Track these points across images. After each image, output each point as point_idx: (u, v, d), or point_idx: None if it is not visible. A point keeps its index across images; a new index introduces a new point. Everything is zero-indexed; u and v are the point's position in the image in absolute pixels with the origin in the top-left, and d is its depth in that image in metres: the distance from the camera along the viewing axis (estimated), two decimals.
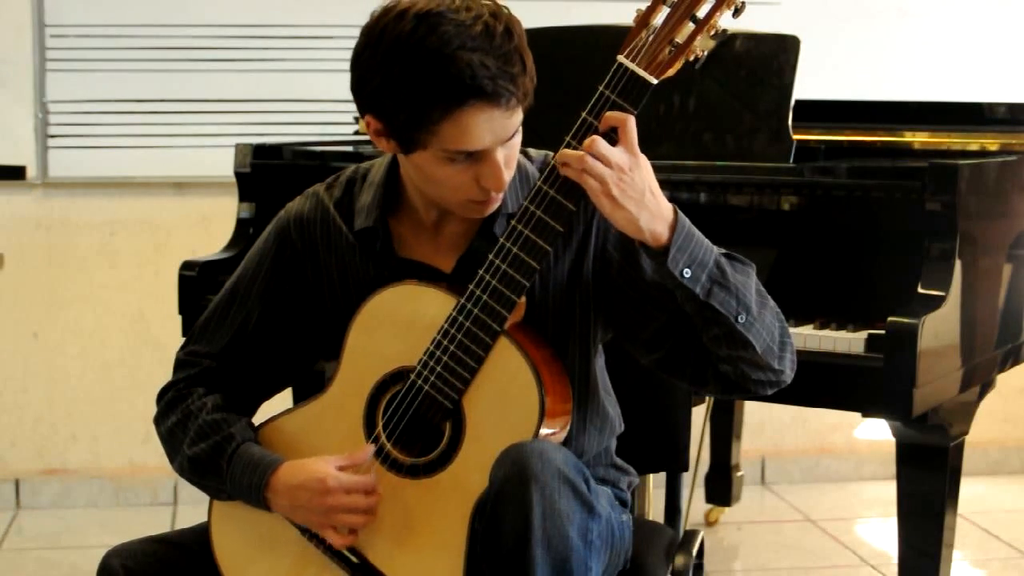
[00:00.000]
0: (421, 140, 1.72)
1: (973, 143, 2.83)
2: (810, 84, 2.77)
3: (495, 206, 1.81)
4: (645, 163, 1.71)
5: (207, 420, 1.87)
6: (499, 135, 1.72)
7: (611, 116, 1.70)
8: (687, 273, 1.71)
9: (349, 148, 3.38)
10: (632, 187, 1.68)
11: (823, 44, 3.65)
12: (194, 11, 3.86)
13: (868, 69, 4.06)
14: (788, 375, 1.83)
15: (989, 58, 4.14)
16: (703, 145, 2.68)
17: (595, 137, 1.69)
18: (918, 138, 2.86)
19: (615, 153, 1.68)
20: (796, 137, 2.63)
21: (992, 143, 2.80)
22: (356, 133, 3.46)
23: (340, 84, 3.77)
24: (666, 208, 1.72)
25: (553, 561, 1.63)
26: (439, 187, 1.77)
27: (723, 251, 1.78)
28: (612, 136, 1.70)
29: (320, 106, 3.88)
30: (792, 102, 2.65)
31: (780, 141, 2.62)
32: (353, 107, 3.83)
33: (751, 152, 2.65)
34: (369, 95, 1.74)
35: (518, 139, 1.77)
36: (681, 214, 1.73)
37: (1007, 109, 2.91)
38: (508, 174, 1.77)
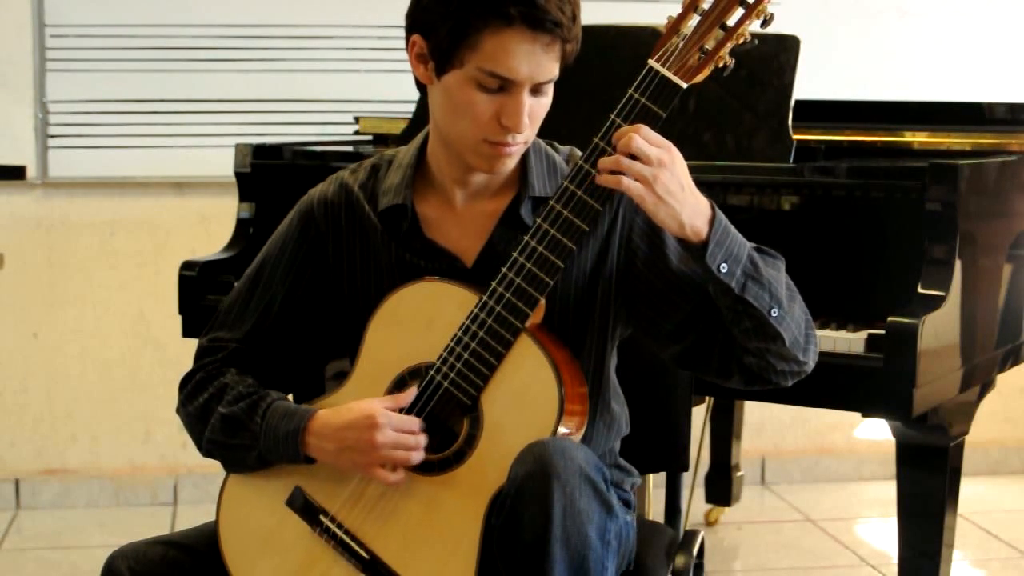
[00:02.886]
0: (459, 56, 1.74)
1: (973, 143, 2.82)
2: (810, 84, 2.77)
3: (508, 164, 1.82)
4: (679, 156, 1.73)
5: (246, 389, 1.87)
6: (534, 71, 1.74)
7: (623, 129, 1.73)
8: (724, 268, 1.73)
9: (349, 148, 3.38)
10: (673, 181, 1.70)
11: (823, 44, 3.66)
12: (194, 11, 3.86)
13: (868, 69, 4.05)
14: (810, 365, 1.85)
15: (989, 58, 4.14)
16: (703, 145, 2.68)
17: (632, 136, 1.70)
18: (918, 138, 2.86)
19: (653, 149, 1.70)
20: (796, 137, 2.62)
21: (992, 143, 2.80)
22: (356, 133, 3.46)
23: (340, 84, 3.88)
24: (703, 202, 1.74)
25: (571, 559, 1.64)
26: (461, 117, 1.78)
27: (754, 245, 1.80)
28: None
29: (320, 106, 3.87)
30: (792, 102, 2.65)
31: (780, 141, 2.62)
32: (353, 107, 3.86)
33: (751, 152, 2.64)
34: (421, 11, 1.78)
35: (546, 100, 1.79)
36: (717, 209, 1.75)
37: (1007, 109, 2.91)
38: (530, 130, 1.79)
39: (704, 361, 1.87)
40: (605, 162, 1.72)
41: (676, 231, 1.73)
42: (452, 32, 1.73)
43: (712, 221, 1.73)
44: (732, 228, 1.76)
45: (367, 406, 1.78)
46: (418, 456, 1.78)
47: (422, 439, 1.78)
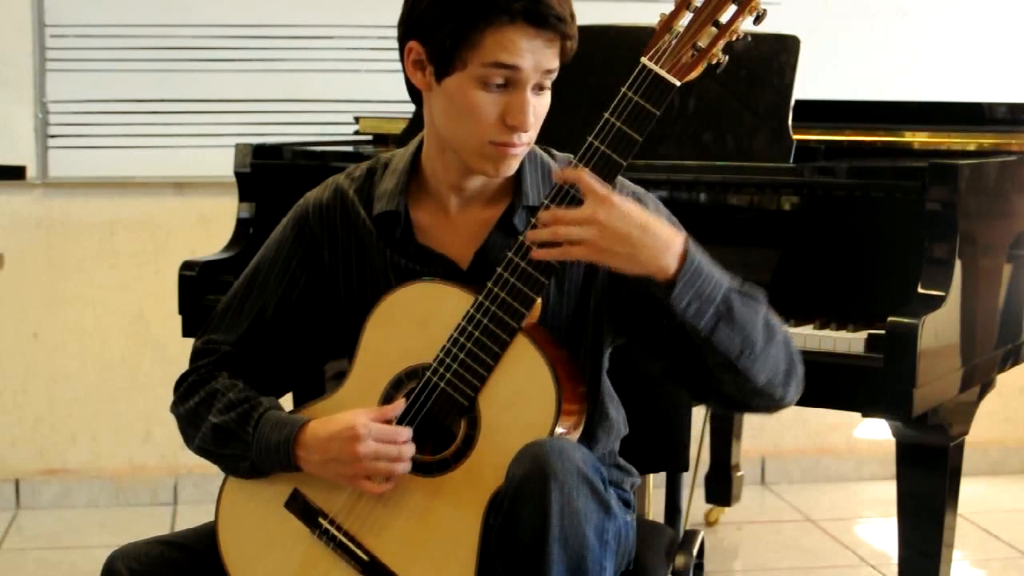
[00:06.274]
0: (461, 57, 1.74)
1: (973, 143, 2.82)
2: (810, 84, 2.77)
3: (512, 165, 1.81)
4: (621, 202, 1.70)
5: (237, 396, 1.87)
6: (539, 63, 1.74)
7: (564, 175, 1.72)
8: (691, 310, 1.70)
9: (349, 148, 3.38)
10: (615, 232, 1.68)
11: (823, 44, 3.66)
12: (194, 11, 3.86)
13: (868, 69, 4.06)
14: (791, 400, 1.83)
15: (989, 58, 4.14)
16: (703, 145, 2.68)
17: (552, 212, 1.71)
18: (918, 138, 2.86)
19: (577, 213, 1.69)
20: (796, 137, 2.62)
21: (992, 143, 2.80)
22: (356, 133, 3.46)
23: (340, 84, 3.89)
24: (671, 239, 1.70)
25: (569, 559, 1.63)
26: (465, 120, 1.77)
27: (734, 284, 1.76)
28: (575, 193, 1.72)
29: (320, 106, 3.87)
30: (792, 102, 2.65)
31: (780, 141, 2.62)
32: (353, 107, 3.86)
33: (751, 152, 2.64)
34: (417, 16, 1.77)
35: (546, 100, 1.79)
36: (692, 246, 1.72)
37: (1007, 109, 2.91)
38: (534, 130, 1.79)
39: (685, 381, 1.86)
40: (534, 236, 1.71)
41: (641, 273, 1.70)
42: (454, 33, 1.73)
43: (683, 258, 1.70)
44: (707, 267, 1.72)
45: (350, 417, 1.78)
46: (403, 467, 1.77)
47: (406, 449, 1.77)
